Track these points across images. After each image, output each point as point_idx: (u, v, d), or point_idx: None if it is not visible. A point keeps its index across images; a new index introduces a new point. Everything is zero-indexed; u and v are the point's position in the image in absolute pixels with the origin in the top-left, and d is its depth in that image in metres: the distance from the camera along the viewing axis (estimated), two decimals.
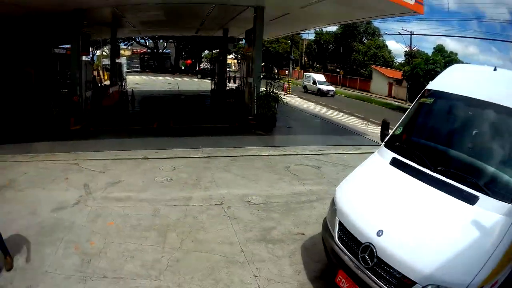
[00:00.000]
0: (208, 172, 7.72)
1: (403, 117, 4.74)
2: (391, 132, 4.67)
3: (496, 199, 3.29)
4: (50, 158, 7.93)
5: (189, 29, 25.64)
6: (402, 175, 3.93)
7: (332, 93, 35.88)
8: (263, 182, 7.32)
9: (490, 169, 3.69)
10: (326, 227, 4.13)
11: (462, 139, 4.19)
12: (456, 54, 31.45)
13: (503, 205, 3.23)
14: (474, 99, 4.09)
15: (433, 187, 3.62)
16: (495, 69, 4.32)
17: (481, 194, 3.36)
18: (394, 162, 4.14)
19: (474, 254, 3.04)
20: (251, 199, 6.33)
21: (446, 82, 4.65)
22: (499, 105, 3.83)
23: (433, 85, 4.72)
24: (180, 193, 6.43)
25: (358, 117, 20.49)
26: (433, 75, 20.72)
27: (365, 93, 44.73)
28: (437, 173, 3.72)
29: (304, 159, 9.29)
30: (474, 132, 4.15)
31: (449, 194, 3.47)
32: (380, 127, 4.84)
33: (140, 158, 8.28)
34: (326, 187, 6.88)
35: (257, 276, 4.20)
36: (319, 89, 36.92)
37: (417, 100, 4.79)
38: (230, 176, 7.58)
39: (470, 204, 3.33)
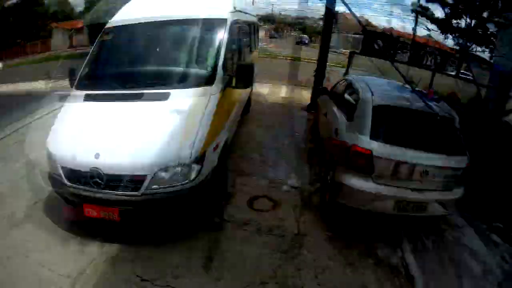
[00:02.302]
0: None
1: (86, 59, 4.91)
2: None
3: (185, 88, 4.04)
4: None
5: None
6: (99, 105, 4.19)
7: None
8: None
9: (172, 69, 4.41)
10: (55, 180, 4.10)
11: (141, 57, 4.75)
12: None
13: (191, 90, 4.00)
14: (145, 22, 4.77)
15: (130, 101, 4.04)
16: None
17: (171, 89, 4.00)
18: (87, 98, 4.32)
19: (184, 133, 3.66)
20: None
21: (122, 16, 5.12)
22: (163, 20, 4.66)
23: (111, 23, 5.11)
24: None
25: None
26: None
27: (47, 53, 41.41)
28: (128, 89, 4.20)
29: None
30: (150, 47, 4.76)
31: (145, 101, 3.98)
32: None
33: None
34: None
35: None
36: None
37: (97, 40, 5.06)
38: None
39: (165, 100, 3.91)
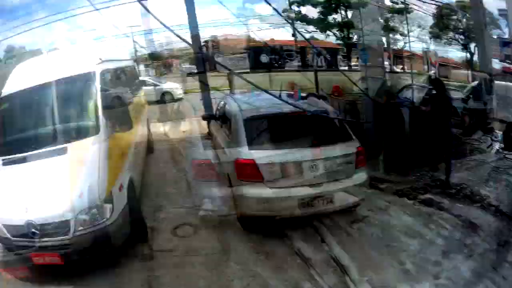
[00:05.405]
0: None
1: None
2: None
3: (78, 140, 4.44)
4: None
5: None
6: (17, 167, 4.38)
7: None
8: None
9: (64, 126, 4.67)
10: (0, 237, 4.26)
11: (38, 119, 4.92)
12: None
13: (83, 141, 4.41)
14: (32, 88, 4.93)
15: (36, 160, 4.28)
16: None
17: (67, 144, 4.35)
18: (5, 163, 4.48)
19: (87, 178, 4.06)
20: None
21: (10, 86, 5.17)
22: (45, 83, 4.82)
23: (3, 93, 5.16)
24: None
25: None
26: None
27: None
28: (33, 150, 4.39)
29: None
30: (42, 110, 4.92)
31: (47, 158, 4.25)
32: None
33: None
34: None
35: None
36: None
37: None
38: None
39: (64, 154, 4.25)
